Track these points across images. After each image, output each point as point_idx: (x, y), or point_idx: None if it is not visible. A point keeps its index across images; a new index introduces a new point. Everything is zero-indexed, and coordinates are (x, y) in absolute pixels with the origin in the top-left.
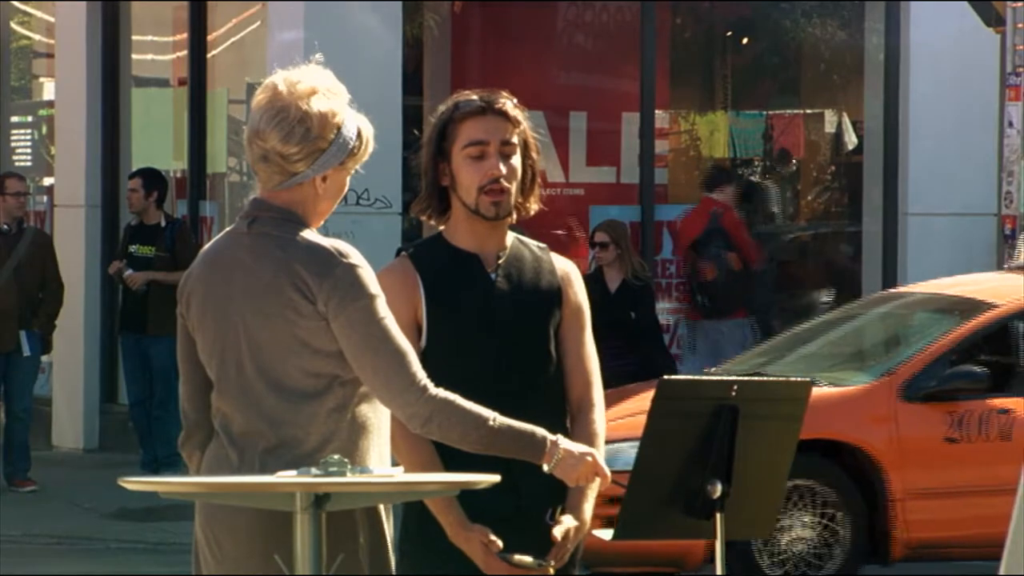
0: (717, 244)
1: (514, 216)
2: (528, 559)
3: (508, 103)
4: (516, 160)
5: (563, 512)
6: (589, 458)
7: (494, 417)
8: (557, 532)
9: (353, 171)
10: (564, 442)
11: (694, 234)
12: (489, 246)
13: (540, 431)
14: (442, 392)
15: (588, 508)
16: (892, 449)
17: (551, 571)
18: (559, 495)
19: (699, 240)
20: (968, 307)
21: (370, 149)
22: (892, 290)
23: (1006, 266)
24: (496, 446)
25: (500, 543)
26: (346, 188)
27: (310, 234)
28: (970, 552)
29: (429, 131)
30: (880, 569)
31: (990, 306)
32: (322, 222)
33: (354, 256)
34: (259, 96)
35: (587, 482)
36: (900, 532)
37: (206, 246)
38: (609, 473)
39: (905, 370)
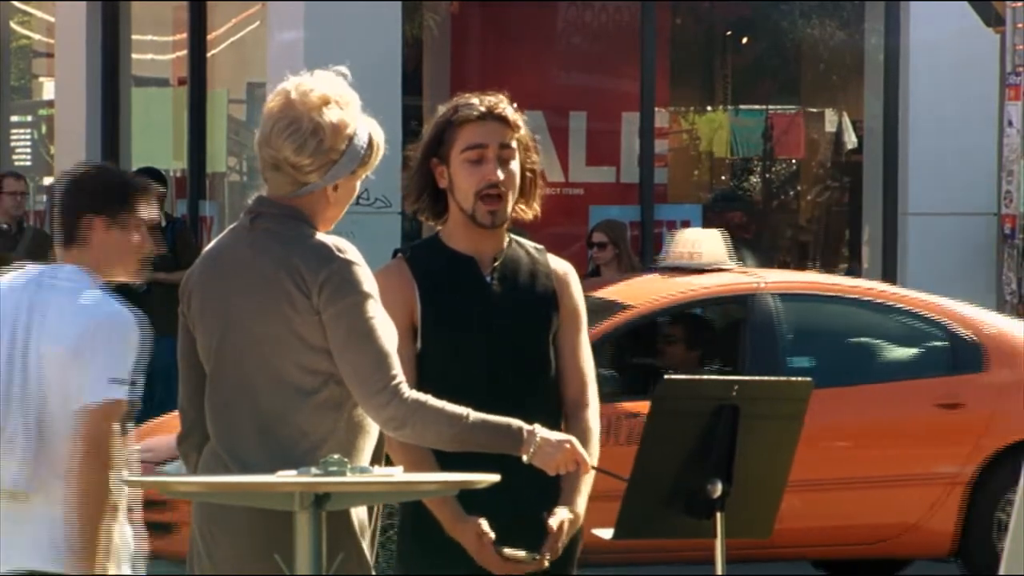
0: None
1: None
2: (521, 553)
3: (508, 108)
4: (515, 165)
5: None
6: (567, 446)
7: (468, 413)
8: (552, 523)
9: (364, 177)
10: (541, 431)
11: None
12: (486, 248)
13: (516, 422)
14: (415, 394)
15: (581, 502)
16: None
17: (545, 564)
18: (557, 499)
19: None
20: (603, 309)
21: (381, 154)
22: None
23: (651, 266)
24: (472, 442)
25: (493, 535)
26: (356, 193)
27: (311, 231)
28: (599, 558)
29: (428, 132)
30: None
31: (623, 307)
32: (330, 225)
33: (352, 253)
34: (271, 103)
35: (566, 470)
36: None
37: (210, 244)
38: (590, 461)
39: None
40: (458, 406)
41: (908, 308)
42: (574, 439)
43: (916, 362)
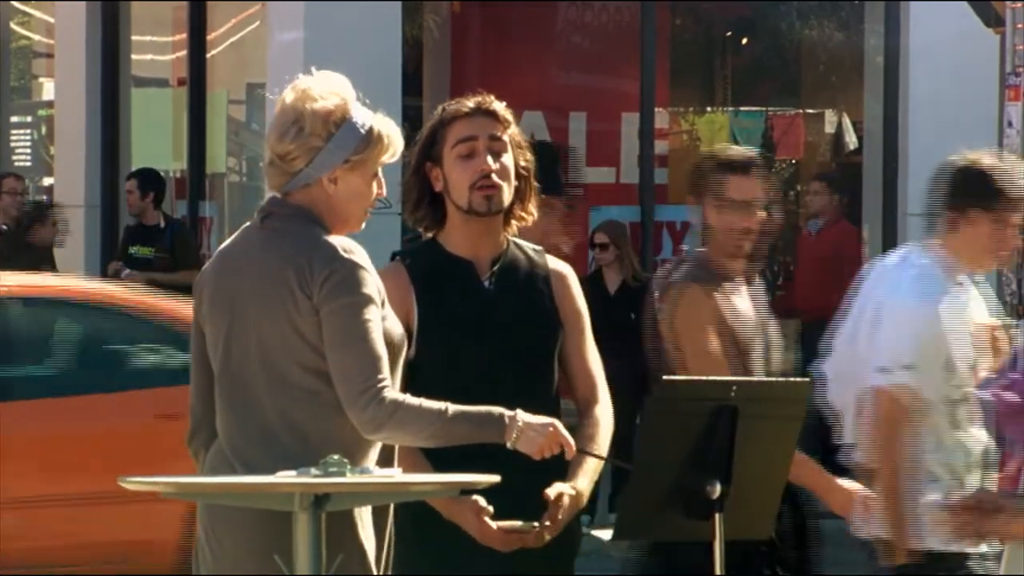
0: None
1: (514, 226)
2: (518, 523)
3: (496, 104)
4: (507, 159)
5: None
6: (551, 429)
7: (446, 408)
8: (550, 492)
9: (376, 172)
10: (523, 415)
11: None
12: (484, 250)
13: (497, 409)
14: (394, 395)
15: (584, 481)
16: None
17: (546, 536)
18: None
19: None
20: None
21: (395, 149)
22: None
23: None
24: (453, 436)
25: (491, 508)
26: (373, 191)
27: (321, 232)
28: None
29: (420, 138)
30: None
31: None
32: (349, 228)
33: (358, 256)
34: (275, 107)
35: (551, 453)
36: None
37: (224, 243)
38: (574, 443)
39: None
40: (437, 402)
41: (146, 316)
42: (557, 422)
43: (145, 372)
